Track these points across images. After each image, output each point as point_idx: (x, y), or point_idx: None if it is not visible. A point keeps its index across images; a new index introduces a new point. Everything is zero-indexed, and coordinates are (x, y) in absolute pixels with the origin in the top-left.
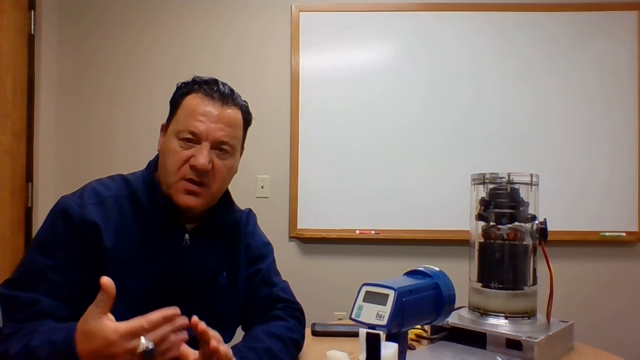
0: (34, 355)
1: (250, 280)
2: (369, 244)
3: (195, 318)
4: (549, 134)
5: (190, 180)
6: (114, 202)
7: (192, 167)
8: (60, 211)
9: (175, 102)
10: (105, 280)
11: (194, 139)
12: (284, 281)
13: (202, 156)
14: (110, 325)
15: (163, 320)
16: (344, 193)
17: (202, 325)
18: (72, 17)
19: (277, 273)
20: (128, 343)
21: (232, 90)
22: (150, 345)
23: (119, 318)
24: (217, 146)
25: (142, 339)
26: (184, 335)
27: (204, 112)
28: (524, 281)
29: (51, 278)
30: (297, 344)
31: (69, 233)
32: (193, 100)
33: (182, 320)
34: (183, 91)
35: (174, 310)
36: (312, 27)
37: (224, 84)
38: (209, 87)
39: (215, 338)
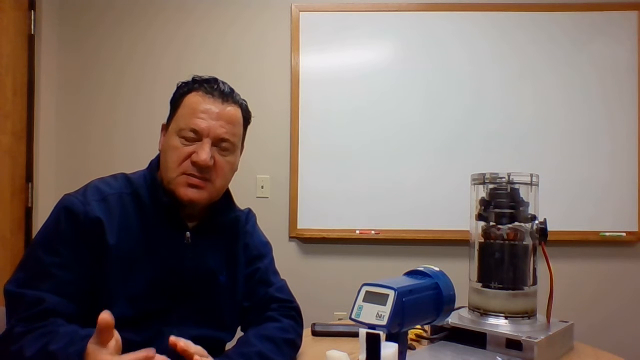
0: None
1: (249, 280)
2: (369, 244)
3: (172, 338)
4: (549, 134)
5: (192, 175)
6: (116, 199)
7: (194, 163)
8: (63, 209)
9: (176, 101)
10: (103, 317)
11: (196, 136)
12: (282, 280)
13: (204, 152)
14: None
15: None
16: (344, 193)
17: (182, 343)
18: (72, 17)
19: (275, 272)
20: None
21: (231, 89)
22: None
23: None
24: (218, 143)
25: None
26: None
27: (205, 109)
28: (524, 281)
29: (56, 275)
30: (292, 344)
31: (73, 230)
32: (194, 99)
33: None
34: (183, 90)
35: (149, 351)
36: (312, 27)
37: (223, 83)
38: (209, 86)
39: (198, 353)
